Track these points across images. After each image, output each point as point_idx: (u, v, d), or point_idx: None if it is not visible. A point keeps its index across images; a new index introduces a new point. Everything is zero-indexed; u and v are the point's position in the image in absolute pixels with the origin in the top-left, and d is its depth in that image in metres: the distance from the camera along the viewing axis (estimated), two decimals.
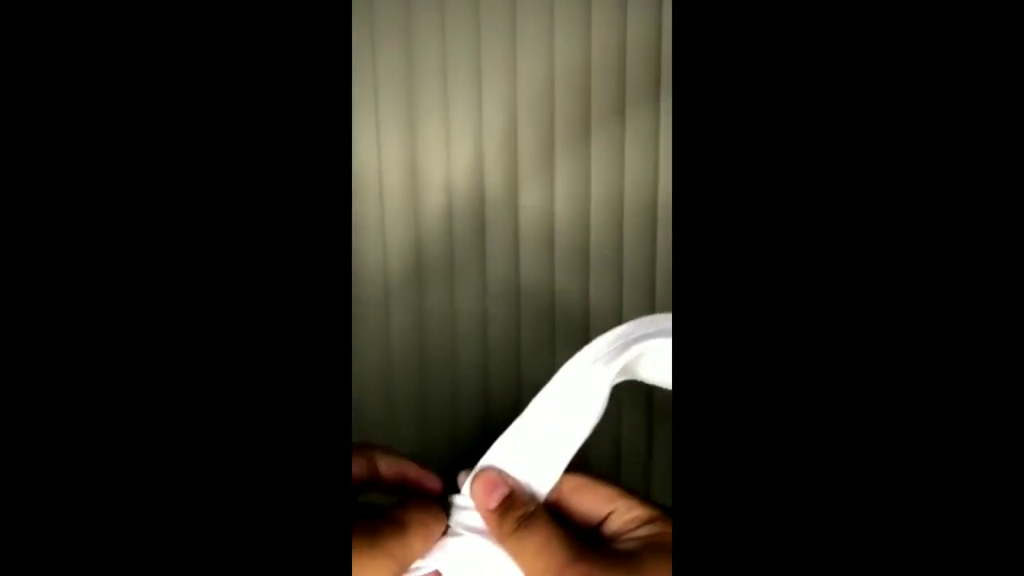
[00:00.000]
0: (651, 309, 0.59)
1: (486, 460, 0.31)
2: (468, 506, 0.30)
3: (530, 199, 0.58)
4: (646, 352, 0.30)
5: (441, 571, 0.29)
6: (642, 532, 0.28)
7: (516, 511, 0.28)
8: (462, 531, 0.30)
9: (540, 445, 0.30)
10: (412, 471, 0.32)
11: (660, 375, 0.30)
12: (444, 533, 0.30)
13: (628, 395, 0.61)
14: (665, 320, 0.31)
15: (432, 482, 0.32)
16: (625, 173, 0.57)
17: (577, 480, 0.30)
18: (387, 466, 0.31)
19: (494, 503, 0.29)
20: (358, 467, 0.31)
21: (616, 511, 0.29)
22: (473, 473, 0.30)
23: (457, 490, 0.32)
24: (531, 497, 0.29)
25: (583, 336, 0.60)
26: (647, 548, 0.27)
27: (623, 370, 0.30)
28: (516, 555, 0.28)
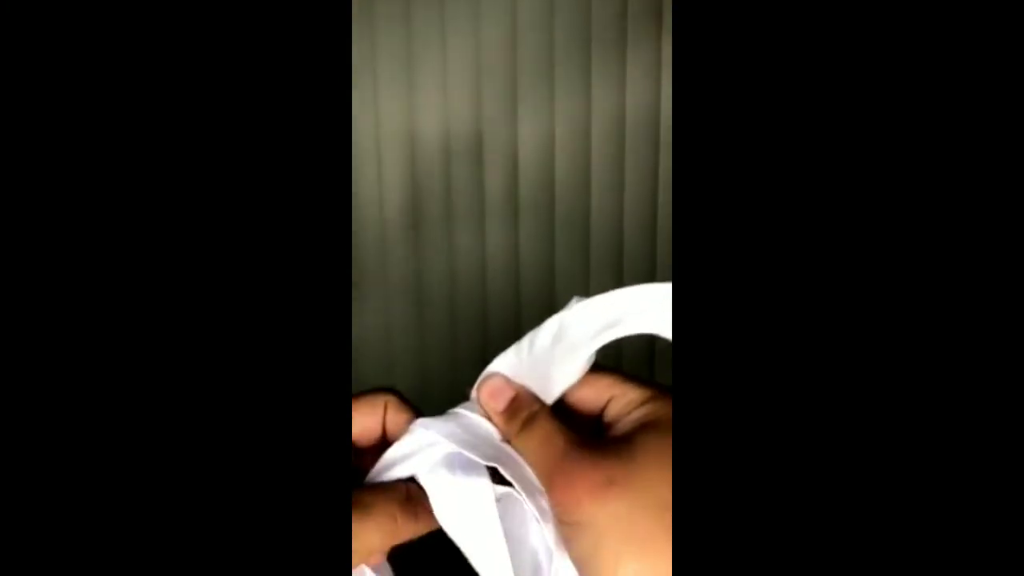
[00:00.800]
0: (652, 246, 0.59)
1: (492, 367, 0.31)
2: (472, 411, 0.31)
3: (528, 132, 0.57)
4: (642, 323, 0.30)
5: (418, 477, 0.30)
6: (637, 414, 0.29)
7: (521, 412, 0.30)
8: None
9: (545, 366, 0.31)
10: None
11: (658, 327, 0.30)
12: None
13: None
14: (662, 296, 0.30)
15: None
16: (627, 102, 0.56)
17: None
18: (397, 419, 0.32)
19: (501, 405, 0.30)
20: (368, 418, 0.31)
21: (615, 397, 0.30)
22: (480, 379, 0.31)
23: None
24: (535, 398, 0.30)
25: (583, 277, 0.60)
26: (640, 428, 0.28)
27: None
28: (522, 452, 0.29)
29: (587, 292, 0.31)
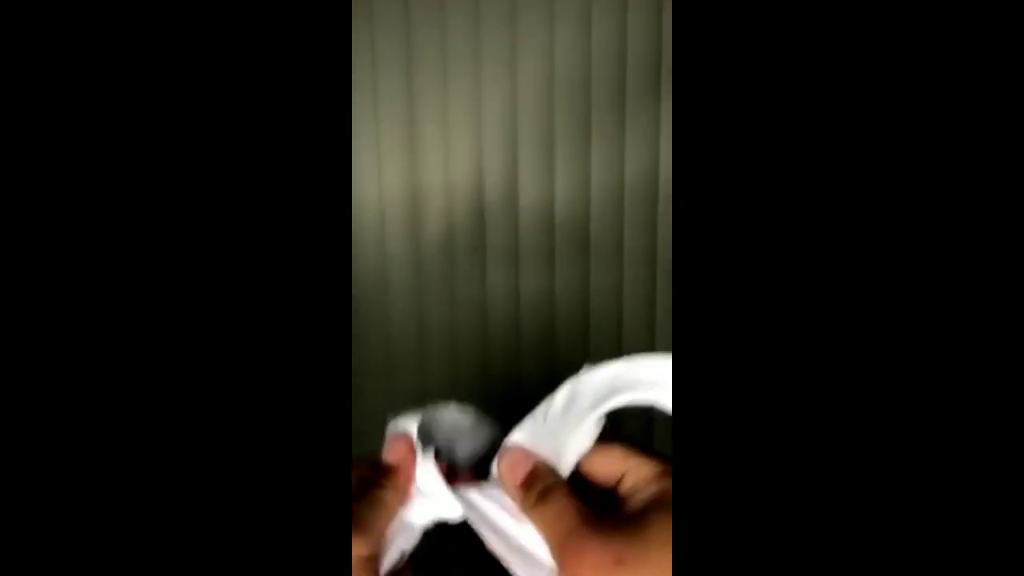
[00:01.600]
0: (651, 303, 0.59)
1: (513, 438, 0.32)
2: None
3: (530, 198, 0.58)
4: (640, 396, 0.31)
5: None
6: (649, 491, 0.29)
7: (537, 485, 0.30)
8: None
9: (559, 434, 0.32)
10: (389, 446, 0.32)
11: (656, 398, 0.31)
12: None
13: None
14: (660, 367, 0.32)
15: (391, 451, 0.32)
16: (626, 168, 0.57)
17: (595, 444, 0.31)
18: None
19: (519, 479, 0.30)
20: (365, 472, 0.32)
21: (629, 470, 0.30)
22: (501, 450, 0.32)
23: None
24: (551, 471, 0.31)
25: (583, 335, 0.60)
26: (652, 507, 0.28)
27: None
28: (537, 525, 0.30)
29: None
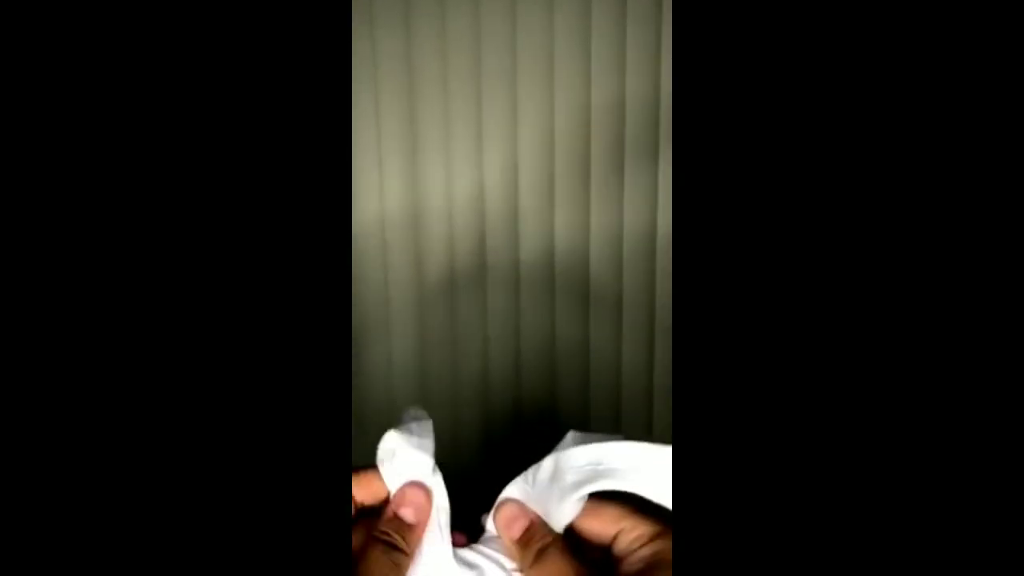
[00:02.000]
0: (650, 346, 0.60)
1: (508, 492, 0.32)
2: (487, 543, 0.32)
3: (531, 236, 0.59)
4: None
5: None
6: (644, 552, 0.29)
7: (535, 543, 0.30)
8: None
9: (545, 500, 0.32)
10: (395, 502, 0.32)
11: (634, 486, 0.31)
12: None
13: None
14: (639, 455, 0.32)
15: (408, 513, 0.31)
16: (625, 218, 0.58)
17: (588, 504, 0.31)
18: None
19: (516, 534, 0.31)
20: (367, 493, 0.32)
21: (623, 530, 0.30)
22: (497, 503, 0.32)
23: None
24: (548, 528, 0.31)
25: (583, 371, 0.60)
26: (646, 570, 0.29)
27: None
28: None
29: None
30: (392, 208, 0.60)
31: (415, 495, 0.31)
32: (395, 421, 0.32)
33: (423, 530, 0.31)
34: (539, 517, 0.31)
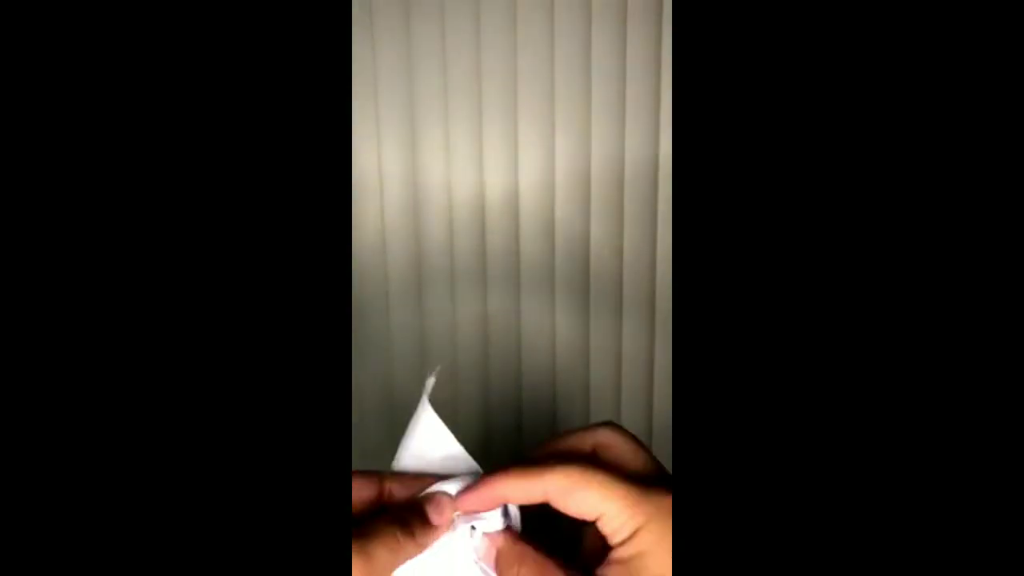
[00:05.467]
0: (651, 301, 0.59)
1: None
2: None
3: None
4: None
5: None
6: (624, 552, 0.28)
7: (512, 567, 0.30)
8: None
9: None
10: (424, 499, 0.31)
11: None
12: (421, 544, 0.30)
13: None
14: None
15: (439, 513, 0.31)
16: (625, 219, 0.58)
17: (568, 479, 0.29)
18: (400, 489, 0.32)
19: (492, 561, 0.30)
20: (366, 490, 0.31)
21: (604, 517, 0.29)
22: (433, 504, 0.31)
23: None
24: (514, 546, 0.31)
25: (583, 348, 0.60)
26: (637, 554, 0.28)
27: None
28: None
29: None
30: (392, 207, 0.60)
31: (443, 505, 0.31)
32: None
33: (438, 536, 0.30)
34: (507, 536, 0.31)
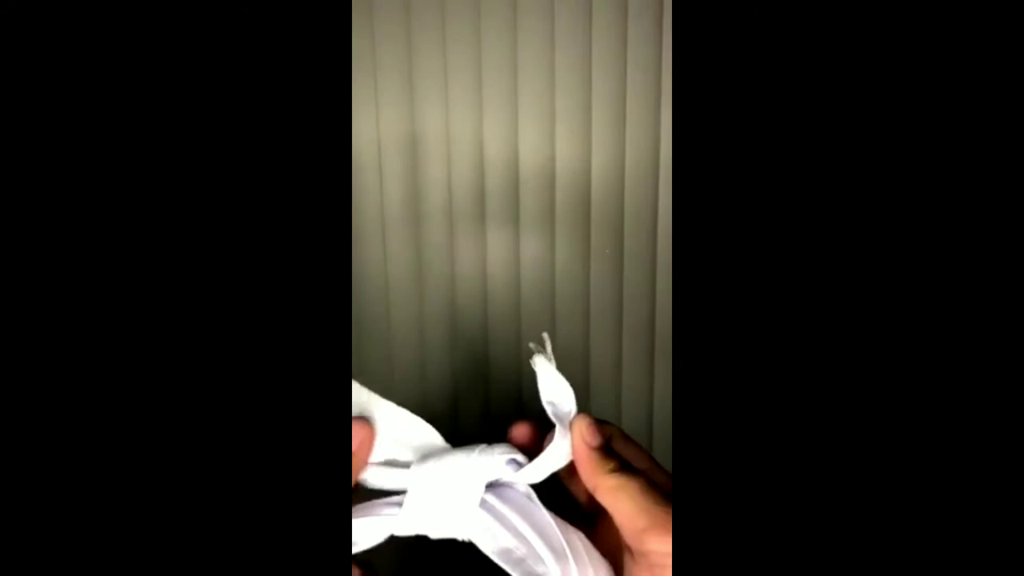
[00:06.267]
0: (651, 277, 0.59)
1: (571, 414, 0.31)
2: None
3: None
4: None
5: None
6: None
7: (614, 456, 0.30)
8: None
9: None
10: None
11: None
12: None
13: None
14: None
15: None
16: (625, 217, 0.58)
17: (632, 502, 0.29)
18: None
19: (597, 440, 0.30)
20: (360, 445, 0.31)
21: (645, 531, 0.28)
22: (573, 417, 0.31)
23: None
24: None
25: (583, 310, 0.60)
26: None
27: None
28: (615, 493, 0.29)
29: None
30: (392, 205, 0.60)
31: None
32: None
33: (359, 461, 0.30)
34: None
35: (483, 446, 0.31)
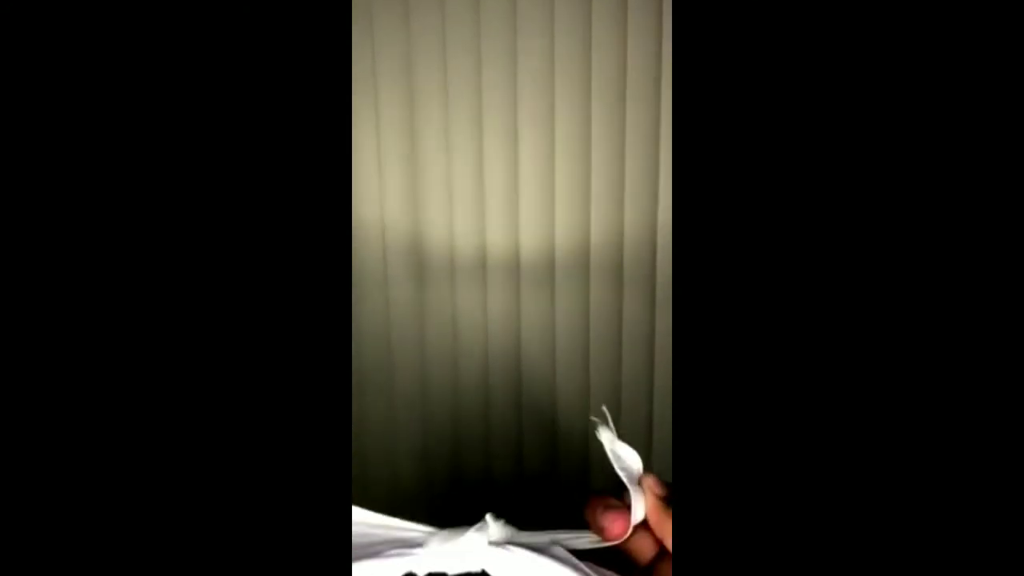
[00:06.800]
0: (650, 328, 0.59)
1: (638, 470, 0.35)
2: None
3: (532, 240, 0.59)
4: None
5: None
6: None
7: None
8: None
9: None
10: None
11: None
12: None
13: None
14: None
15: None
16: (625, 216, 0.58)
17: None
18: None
19: (664, 492, 0.34)
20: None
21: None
22: (638, 475, 0.35)
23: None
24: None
25: (583, 363, 0.60)
26: None
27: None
28: (668, 527, 0.34)
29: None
30: (392, 214, 0.60)
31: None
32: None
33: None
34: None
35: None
